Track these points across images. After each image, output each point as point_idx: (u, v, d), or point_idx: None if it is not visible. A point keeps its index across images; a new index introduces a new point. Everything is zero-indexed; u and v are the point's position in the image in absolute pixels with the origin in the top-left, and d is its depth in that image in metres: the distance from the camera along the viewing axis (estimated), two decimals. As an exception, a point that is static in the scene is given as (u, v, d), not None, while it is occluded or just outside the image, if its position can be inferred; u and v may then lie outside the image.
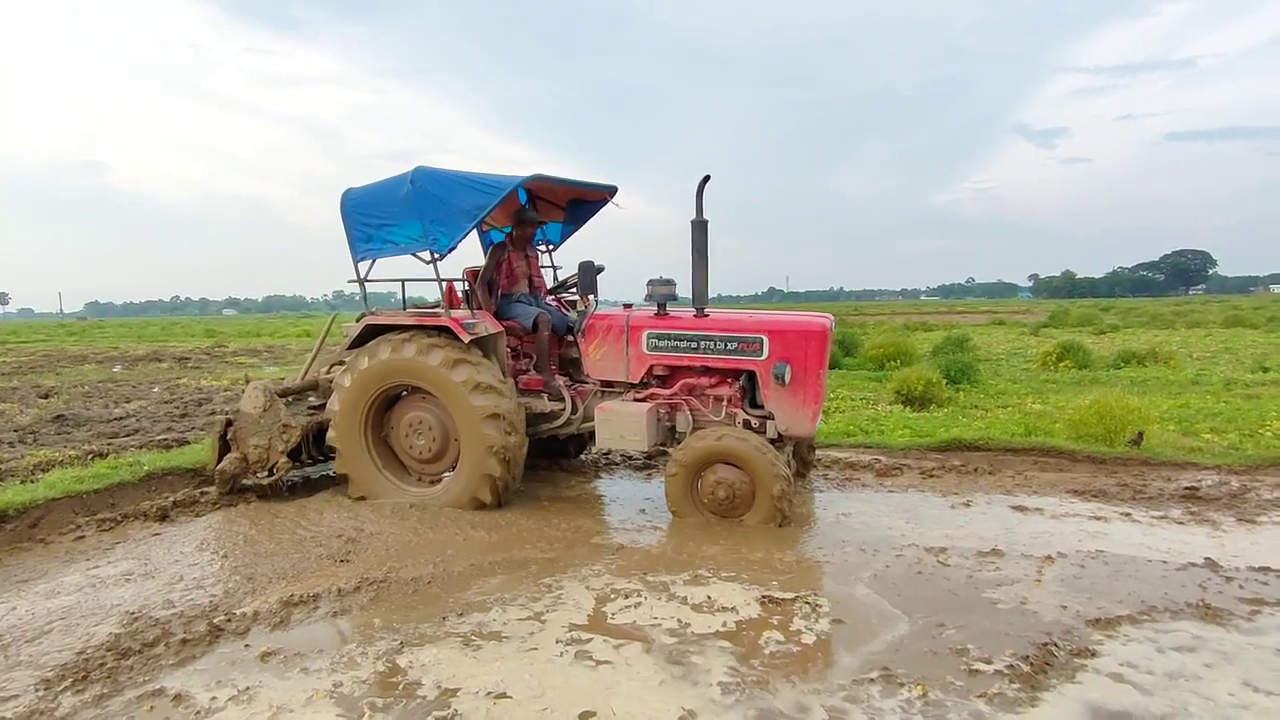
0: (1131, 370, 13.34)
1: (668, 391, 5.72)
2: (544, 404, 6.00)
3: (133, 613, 3.91)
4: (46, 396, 12.04)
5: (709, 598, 3.98)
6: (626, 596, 4.03)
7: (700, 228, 5.48)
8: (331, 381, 6.32)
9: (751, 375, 5.53)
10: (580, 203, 6.97)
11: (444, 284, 5.85)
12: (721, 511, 5.19)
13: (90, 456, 7.15)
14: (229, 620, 3.79)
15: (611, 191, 6.75)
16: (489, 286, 6.30)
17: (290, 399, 6.41)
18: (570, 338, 6.22)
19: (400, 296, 6.11)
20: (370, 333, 5.97)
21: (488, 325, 5.80)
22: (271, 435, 6.01)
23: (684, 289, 5.78)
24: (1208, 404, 9.40)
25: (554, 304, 6.77)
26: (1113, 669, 3.21)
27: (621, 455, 7.30)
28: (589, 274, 5.79)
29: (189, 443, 7.72)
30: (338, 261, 6.10)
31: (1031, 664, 3.22)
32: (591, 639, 3.54)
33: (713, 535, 4.96)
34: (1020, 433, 7.69)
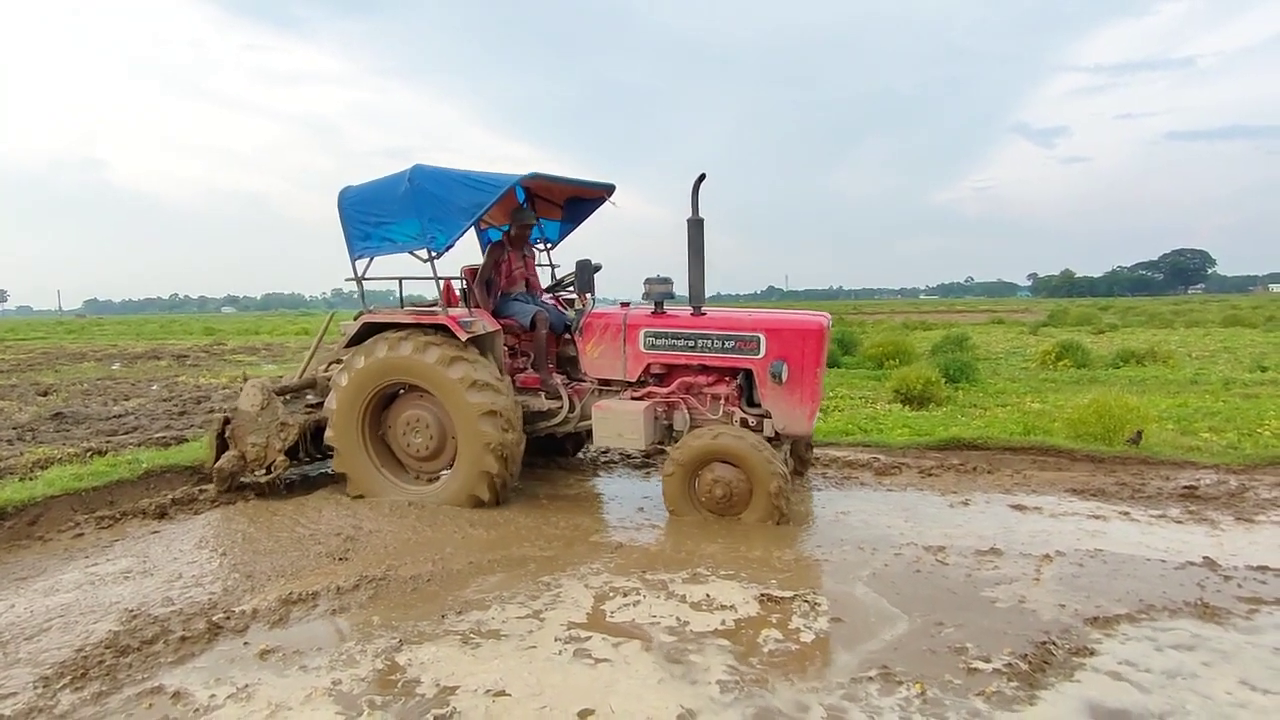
0: (1130, 369, 13.35)
1: (665, 390, 5.72)
2: (541, 402, 6.01)
3: (132, 610, 3.92)
4: (45, 394, 12.03)
5: (708, 596, 3.98)
6: (625, 595, 4.03)
7: (696, 226, 5.47)
8: (329, 380, 6.32)
9: (749, 374, 5.53)
10: (578, 201, 6.97)
11: (442, 282, 5.85)
12: (719, 510, 5.20)
13: (89, 454, 7.14)
14: (228, 618, 3.79)
15: (609, 190, 6.74)
16: (488, 286, 6.31)
17: (288, 397, 6.41)
18: (568, 336, 6.23)
19: (398, 295, 6.12)
20: (368, 331, 5.97)
21: (485, 323, 5.80)
22: (269, 433, 6.01)
23: (681, 287, 5.79)
24: (1206, 403, 9.41)
25: (551, 302, 6.77)
26: (1111, 667, 3.21)
27: (620, 453, 7.30)
28: (586, 272, 5.79)
29: (188, 440, 7.71)
30: (336, 259, 6.11)
31: (1030, 662, 3.23)
32: (590, 637, 3.55)
33: (711, 533, 4.96)
34: (1019, 432, 7.70)
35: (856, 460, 6.90)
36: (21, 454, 7.11)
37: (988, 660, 3.27)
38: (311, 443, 6.29)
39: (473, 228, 5.81)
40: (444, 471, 5.95)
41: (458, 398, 5.51)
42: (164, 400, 11.20)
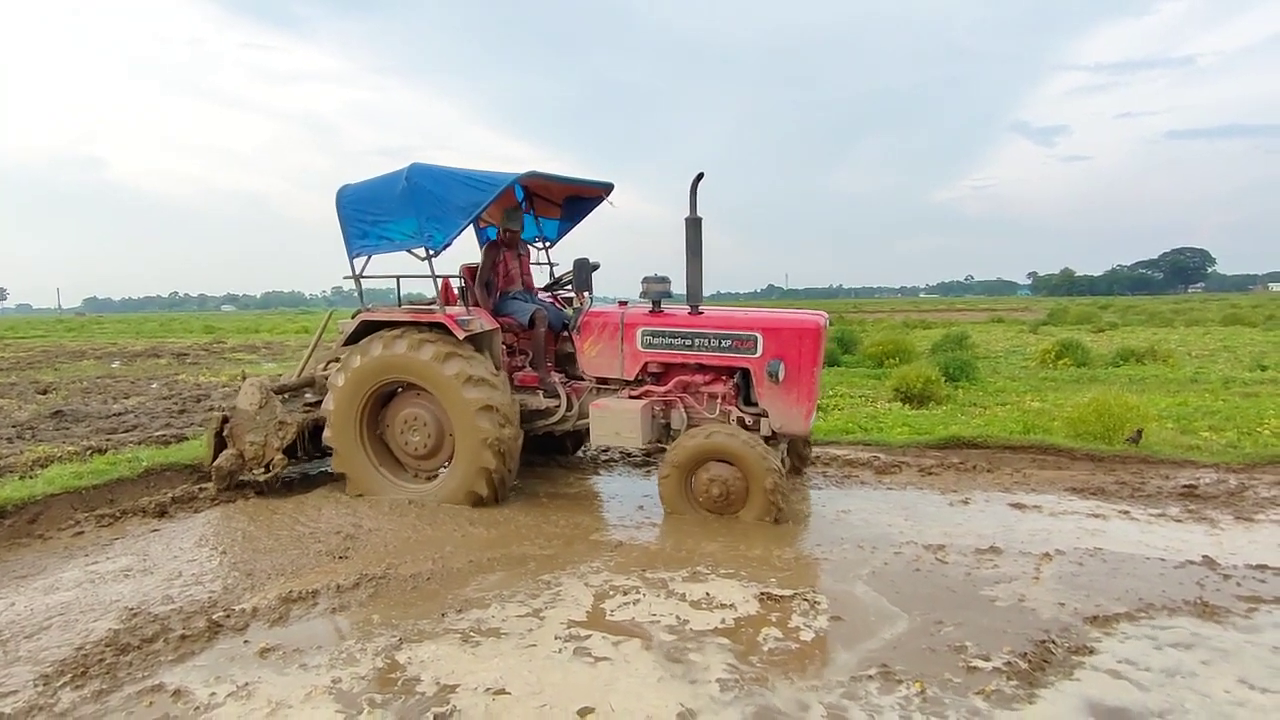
0: (1130, 368, 13.36)
1: (662, 389, 5.73)
2: (539, 400, 6.01)
3: (132, 608, 3.92)
4: (45, 392, 12.03)
5: (708, 595, 3.98)
6: (625, 593, 4.03)
7: (694, 225, 5.47)
8: (328, 379, 6.32)
9: (746, 373, 5.54)
10: (577, 200, 6.97)
11: (439, 280, 5.85)
12: (717, 509, 5.20)
13: (89, 452, 7.15)
14: (228, 616, 3.79)
15: (608, 189, 6.74)
16: (487, 286, 6.31)
17: (286, 396, 6.41)
18: (566, 334, 6.23)
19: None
20: (366, 329, 5.97)
21: (483, 322, 5.80)
22: (268, 432, 6.01)
23: (679, 286, 5.78)
24: (1206, 402, 9.42)
25: (549, 300, 6.77)
26: (1110, 666, 3.22)
27: (620, 452, 7.30)
28: (584, 271, 5.79)
29: (187, 439, 7.71)
30: (336, 257, 6.11)
31: (1029, 661, 3.23)
32: (590, 636, 3.55)
33: (711, 532, 4.96)
34: (1019, 430, 7.70)
35: (856, 459, 6.91)
36: (21, 452, 7.11)
37: (987, 659, 3.28)
38: (310, 441, 6.29)
39: (471, 226, 5.82)
40: (442, 469, 5.96)
41: (454, 394, 5.51)
42: (164, 398, 11.20)
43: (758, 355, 5.40)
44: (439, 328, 5.68)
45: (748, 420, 5.52)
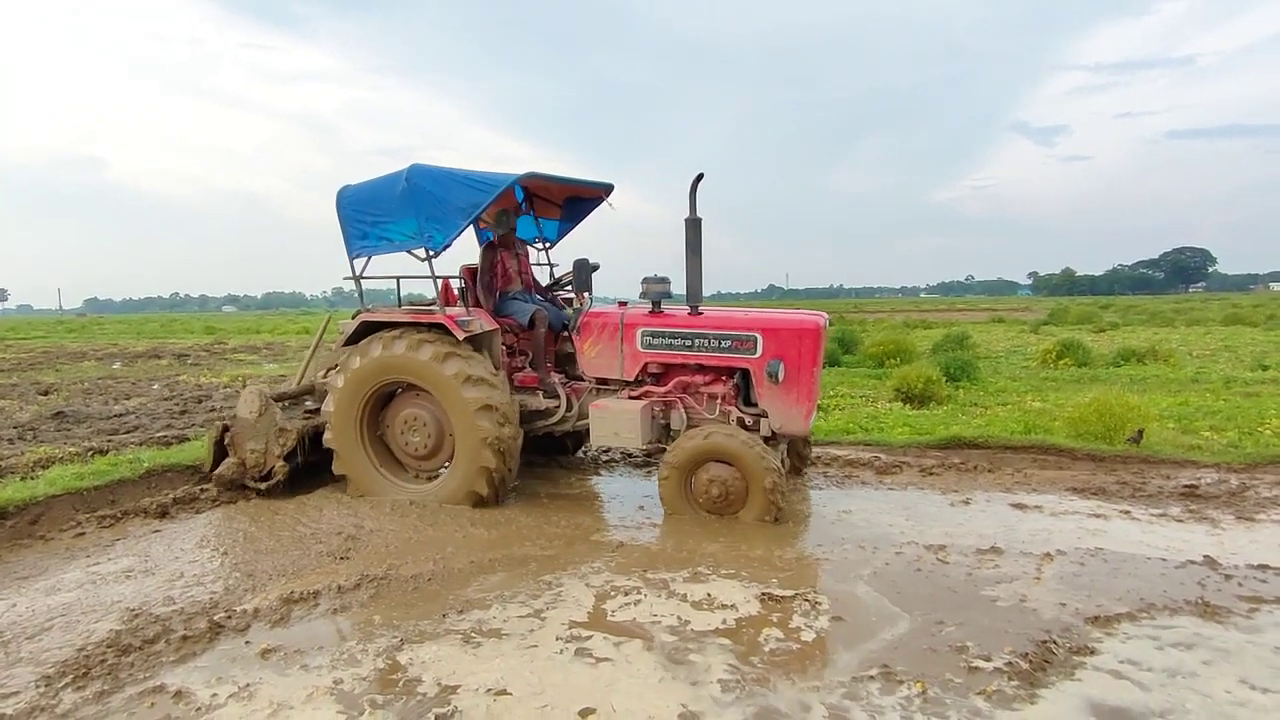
0: (1131, 368, 13.35)
1: (662, 389, 5.73)
2: (539, 401, 6.02)
3: (133, 609, 3.92)
4: (46, 393, 12.04)
5: (709, 595, 3.98)
6: (626, 594, 4.03)
7: (694, 225, 5.47)
8: (328, 385, 6.32)
9: (746, 373, 5.54)
10: (577, 200, 6.97)
11: (439, 281, 5.86)
12: (717, 510, 5.20)
13: (90, 453, 7.15)
14: (229, 617, 3.80)
15: (607, 190, 6.74)
16: (487, 287, 6.32)
17: (286, 404, 6.43)
18: (566, 335, 6.23)
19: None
20: (366, 330, 5.98)
21: (482, 322, 5.81)
22: (268, 439, 6.02)
23: (679, 286, 5.79)
24: (1207, 402, 9.41)
25: (549, 301, 6.78)
26: (1112, 666, 3.21)
27: (621, 452, 7.31)
28: (584, 272, 5.80)
29: (189, 439, 7.71)
30: (336, 258, 6.12)
31: (1031, 661, 3.23)
32: (591, 636, 3.55)
33: (712, 532, 4.97)
34: (1020, 430, 7.70)
35: (857, 459, 6.91)
36: (23, 453, 7.12)
37: (989, 659, 3.28)
38: (310, 449, 6.29)
39: (471, 227, 5.83)
40: (443, 470, 5.96)
41: (453, 394, 5.51)
42: (165, 399, 11.20)
43: (757, 355, 5.40)
44: (439, 328, 5.68)
45: (747, 421, 5.52)
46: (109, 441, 7.74)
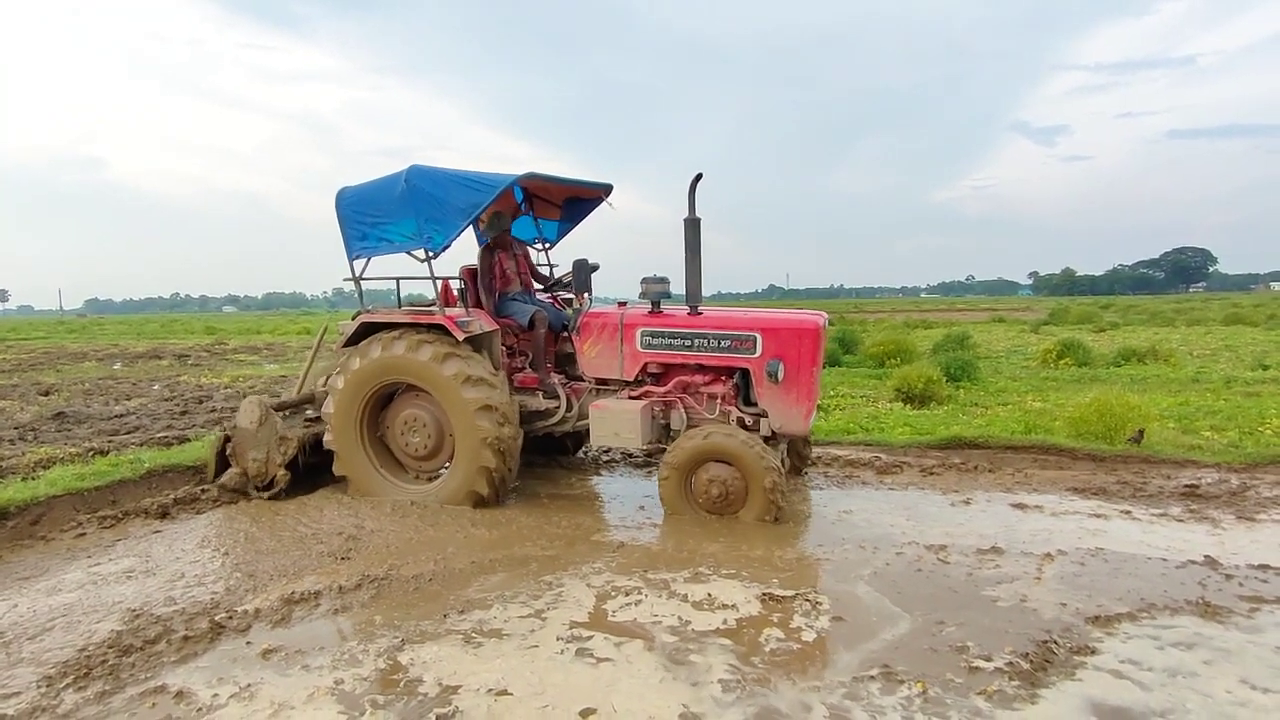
0: (1131, 368, 13.35)
1: (662, 389, 5.73)
2: (539, 401, 6.02)
3: (134, 610, 3.93)
4: (47, 394, 12.05)
5: (709, 595, 3.98)
6: (627, 594, 4.03)
7: (693, 225, 5.48)
8: (328, 394, 6.32)
9: (745, 373, 5.54)
10: (576, 201, 6.98)
11: (439, 282, 5.86)
12: (717, 510, 5.21)
13: (91, 454, 7.15)
14: (230, 617, 3.80)
15: (607, 190, 6.75)
16: (488, 288, 6.32)
17: (287, 413, 6.44)
18: (565, 335, 6.24)
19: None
20: (366, 330, 5.98)
21: (482, 323, 5.81)
22: (269, 448, 6.03)
23: (678, 286, 5.79)
24: (1208, 402, 9.41)
25: (549, 301, 6.78)
26: (1112, 666, 3.21)
27: (621, 453, 7.31)
28: (584, 272, 5.80)
29: (189, 440, 7.72)
30: (336, 258, 6.13)
31: (1031, 661, 3.23)
32: (592, 636, 3.55)
33: (713, 532, 4.97)
34: (1020, 430, 7.70)
35: (858, 459, 6.91)
36: (23, 454, 7.12)
37: (989, 659, 3.28)
38: (311, 456, 6.28)
39: (471, 228, 5.83)
40: (443, 470, 5.96)
41: (453, 394, 5.52)
42: (166, 400, 11.21)
43: (757, 355, 5.40)
44: (439, 329, 5.68)
45: (747, 420, 5.52)
46: (110, 442, 7.75)
